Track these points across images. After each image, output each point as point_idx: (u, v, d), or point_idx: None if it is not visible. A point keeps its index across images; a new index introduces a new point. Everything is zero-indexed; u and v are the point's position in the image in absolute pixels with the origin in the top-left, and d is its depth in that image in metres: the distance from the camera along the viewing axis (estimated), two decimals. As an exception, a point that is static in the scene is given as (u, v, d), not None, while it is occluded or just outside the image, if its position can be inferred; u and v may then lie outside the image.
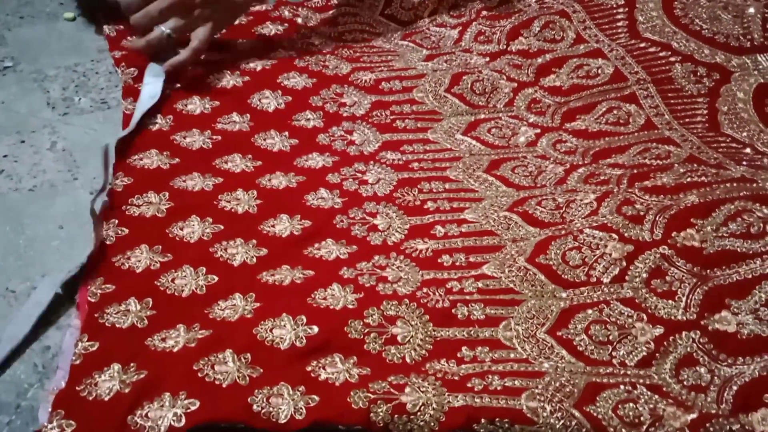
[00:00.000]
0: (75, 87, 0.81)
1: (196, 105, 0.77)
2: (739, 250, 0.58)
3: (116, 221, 0.62)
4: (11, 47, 0.86)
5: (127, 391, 0.49)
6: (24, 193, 0.67)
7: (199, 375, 0.51)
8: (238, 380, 0.51)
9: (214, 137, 0.74)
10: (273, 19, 0.94)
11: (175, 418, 0.48)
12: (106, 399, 0.49)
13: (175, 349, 0.52)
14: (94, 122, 0.76)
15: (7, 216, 0.65)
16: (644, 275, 0.58)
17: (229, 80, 0.82)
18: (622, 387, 0.52)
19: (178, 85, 0.80)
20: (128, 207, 0.64)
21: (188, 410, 0.48)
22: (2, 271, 0.60)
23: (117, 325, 0.54)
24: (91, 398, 0.49)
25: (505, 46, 0.89)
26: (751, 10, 0.84)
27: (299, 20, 0.95)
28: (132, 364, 0.51)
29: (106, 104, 0.79)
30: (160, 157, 0.70)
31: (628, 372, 0.53)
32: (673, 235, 0.59)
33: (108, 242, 0.60)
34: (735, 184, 0.62)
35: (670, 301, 0.56)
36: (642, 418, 0.50)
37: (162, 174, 0.68)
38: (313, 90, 0.83)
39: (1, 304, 0.57)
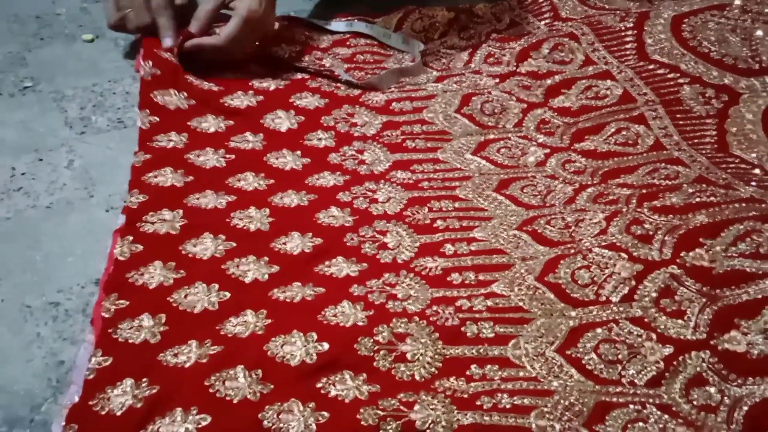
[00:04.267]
0: (92, 107, 0.83)
1: (210, 123, 0.79)
2: (748, 270, 0.58)
3: (131, 238, 0.63)
4: (31, 68, 0.88)
5: (139, 406, 0.50)
6: (41, 210, 0.69)
7: (211, 391, 0.51)
8: (248, 396, 0.51)
9: (228, 156, 0.75)
10: (287, 41, 0.95)
11: None
12: (119, 414, 0.49)
13: (187, 365, 0.53)
14: (111, 141, 0.78)
15: (24, 232, 0.66)
16: (653, 295, 0.58)
17: (243, 100, 0.83)
18: (631, 406, 0.52)
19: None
20: (143, 224, 0.65)
21: (199, 426, 0.49)
22: (19, 286, 0.61)
23: (130, 341, 0.55)
24: (103, 413, 0.49)
25: (514, 68, 0.90)
26: (759, 32, 0.84)
27: (312, 42, 0.97)
28: (144, 379, 0.52)
29: (123, 124, 0.80)
30: (174, 175, 0.71)
31: (638, 391, 0.53)
32: (682, 254, 0.59)
33: (122, 258, 0.61)
34: (744, 205, 0.63)
35: (679, 321, 0.56)
36: (651, 438, 0.50)
37: (176, 192, 0.69)
38: (325, 110, 0.84)
39: (18, 319, 0.58)
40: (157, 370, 0.53)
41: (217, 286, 0.60)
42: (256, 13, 0.83)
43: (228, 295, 0.59)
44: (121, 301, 0.58)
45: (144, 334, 0.55)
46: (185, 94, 0.81)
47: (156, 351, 0.54)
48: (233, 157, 0.75)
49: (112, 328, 0.55)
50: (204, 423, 0.49)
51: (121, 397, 0.50)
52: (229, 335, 0.56)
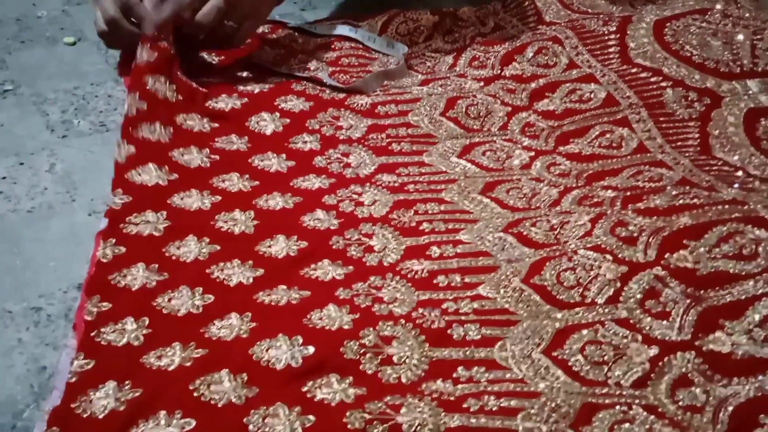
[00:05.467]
0: (74, 110, 0.82)
1: (195, 122, 0.78)
2: (731, 271, 0.58)
3: (113, 240, 0.62)
4: (11, 71, 0.87)
5: (122, 409, 0.49)
6: (22, 214, 0.68)
7: (195, 394, 0.51)
8: (233, 400, 0.51)
9: (213, 156, 0.74)
10: (271, 44, 0.95)
11: None
12: (101, 417, 0.49)
13: (171, 368, 0.52)
14: (93, 145, 0.77)
15: (4, 237, 0.65)
16: (638, 296, 0.58)
17: (228, 102, 0.82)
18: (617, 407, 0.52)
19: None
20: (126, 225, 0.64)
21: (184, 429, 0.48)
22: (-1, 291, 0.60)
23: (113, 344, 0.54)
24: (85, 416, 0.49)
25: (499, 71, 0.90)
26: (740, 36, 0.85)
27: (296, 45, 0.97)
28: (127, 382, 0.51)
29: (105, 127, 0.80)
30: (158, 173, 0.70)
31: (624, 392, 0.53)
32: (666, 256, 0.60)
33: (104, 260, 0.60)
34: (727, 206, 0.63)
35: (664, 322, 0.56)
36: (638, 439, 0.50)
37: (160, 191, 0.68)
38: (310, 113, 0.84)
39: (-3, 324, 0.57)
40: (140, 373, 0.52)
41: (201, 289, 0.59)
42: None
43: (212, 298, 0.59)
44: (104, 304, 0.57)
45: (127, 338, 0.55)
46: (174, 87, 0.79)
47: (139, 354, 0.53)
48: (218, 158, 0.74)
49: (94, 331, 0.55)
50: (188, 427, 0.48)
51: (104, 399, 0.50)
52: (214, 338, 0.55)
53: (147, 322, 0.56)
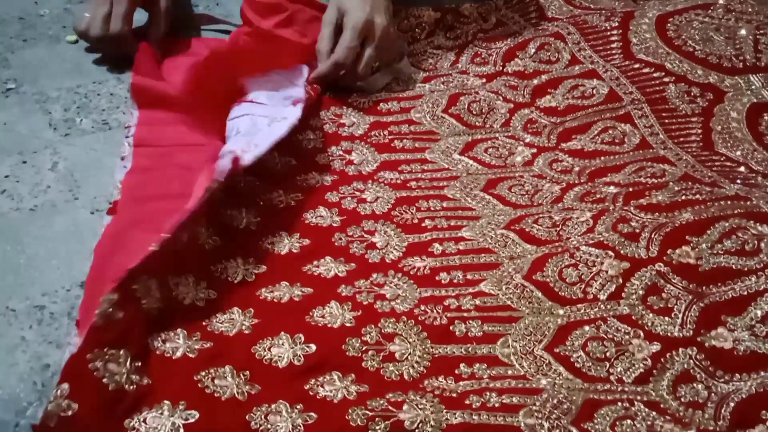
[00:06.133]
0: (77, 108, 0.82)
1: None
2: (734, 267, 0.58)
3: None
4: (14, 69, 0.87)
5: (131, 388, 0.49)
6: (25, 212, 0.68)
7: (200, 385, 0.51)
8: (236, 395, 0.51)
9: None
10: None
11: (173, 429, 0.48)
12: (110, 388, 0.49)
13: (176, 356, 0.53)
14: (95, 143, 0.77)
15: (7, 235, 0.65)
16: (640, 292, 0.58)
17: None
18: (619, 404, 0.52)
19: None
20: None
21: (187, 421, 0.49)
22: (2, 289, 0.60)
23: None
24: (96, 374, 0.48)
25: (501, 68, 0.90)
26: (743, 31, 0.85)
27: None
28: (138, 361, 0.51)
29: (108, 125, 0.80)
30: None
31: (626, 389, 0.53)
32: (668, 252, 0.60)
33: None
34: (729, 202, 0.63)
35: (666, 318, 0.56)
36: (640, 435, 0.50)
37: None
38: (313, 110, 0.84)
39: (2, 323, 0.57)
40: (147, 354, 0.52)
41: (204, 284, 0.59)
42: (366, 22, 0.80)
43: (215, 293, 0.59)
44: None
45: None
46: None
47: (146, 333, 0.53)
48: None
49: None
50: (192, 419, 0.49)
51: (115, 367, 0.50)
52: (216, 332, 0.56)
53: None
